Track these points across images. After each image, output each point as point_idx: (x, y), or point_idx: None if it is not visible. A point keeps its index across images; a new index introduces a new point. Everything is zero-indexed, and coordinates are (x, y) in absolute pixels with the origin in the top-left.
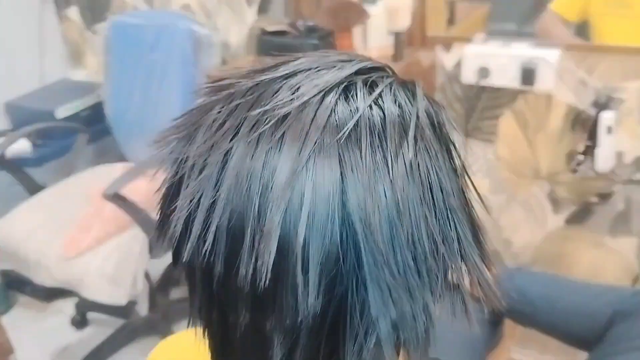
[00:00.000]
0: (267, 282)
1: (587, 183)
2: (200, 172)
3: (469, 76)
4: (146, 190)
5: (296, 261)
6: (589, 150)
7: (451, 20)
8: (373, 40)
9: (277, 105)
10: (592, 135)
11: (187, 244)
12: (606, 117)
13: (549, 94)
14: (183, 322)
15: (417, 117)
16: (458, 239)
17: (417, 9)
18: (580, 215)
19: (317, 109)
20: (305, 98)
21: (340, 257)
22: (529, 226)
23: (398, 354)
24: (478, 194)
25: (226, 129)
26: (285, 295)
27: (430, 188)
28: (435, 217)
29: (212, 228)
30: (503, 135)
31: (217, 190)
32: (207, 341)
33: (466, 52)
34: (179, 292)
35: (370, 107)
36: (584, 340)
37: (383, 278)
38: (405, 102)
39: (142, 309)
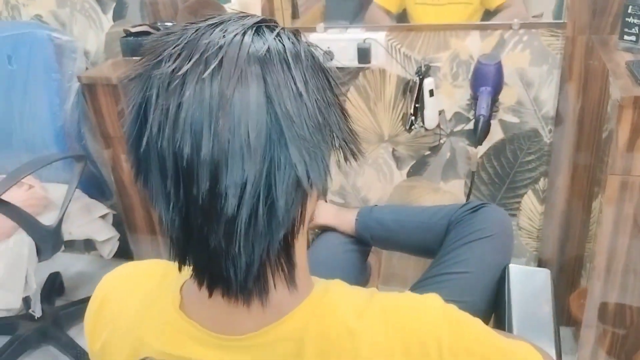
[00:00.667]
0: (223, 153)
1: (420, 139)
2: (167, 89)
3: None
4: (23, 197)
5: (242, 138)
6: (418, 112)
7: (294, 15)
8: None
9: (214, 40)
10: (419, 99)
11: (161, 137)
12: (427, 83)
13: (383, 68)
14: (74, 327)
15: (304, 49)
16: (338, 119)
17: (266, 4)
18: (418, 167)
19: (241, 42)
20: (231, 36)
21: (270, 132)
22: (380, 184)
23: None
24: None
25: (182, 58)
26: (234, 161)
27: (319, 89)
28: (324, 105)
29: (181, 123)
30: (350, 108)
31: (181, 99)
32: (169, 229)
33: (311, 39)
34: (62, 300)
35: (276, 41)
36: (431, 250)
37: (297, 138)
38: (295, 40)
39: (37, 310)
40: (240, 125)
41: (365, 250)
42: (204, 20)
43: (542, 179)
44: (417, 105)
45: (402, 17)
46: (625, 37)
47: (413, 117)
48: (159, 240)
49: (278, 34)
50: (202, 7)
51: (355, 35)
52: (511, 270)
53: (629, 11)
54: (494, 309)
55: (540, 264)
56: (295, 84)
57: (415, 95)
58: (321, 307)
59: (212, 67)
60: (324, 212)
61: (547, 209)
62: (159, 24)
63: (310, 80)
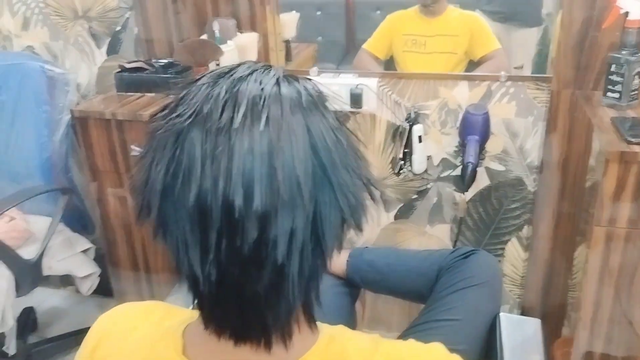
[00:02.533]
0: (275, 202)
1: (408, 183)
2: (215, 144)
3: None
4: (3, 229)
5: (293, 187)
6: (407, 157)
7: (288, 57)
8: None
9: (254, 92)
10: (408, 144)
11: (211, 191)
12: (417, 129)
13: (373, 113)
14: None
15: (327, 96)
16: (360, 162)
17: (262, 47)
18: (405, 211)
19: (280, 93)
20: (268, 87)
21: (317, 179)
22: (367, 225)
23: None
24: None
25: (227, 112)
26: (284, 209)
27: (345, 135)
28: (353, 149)
29: (233, 176)
30: None
31: (232, 152)
32: (203, 283)
33: None
34: (35, 337)
35: (306, 90)
36: (421, 295)
37: (342, 183)
38: (317, 89)
39: (11, 347)
40: (291, 174)
41: (355, 292)
42: (229, 72)
43: (526, 227)
44: (406, 150)
45: (389, 63)
46: (609, 93)
47: (402, 162)
48: (142, 277)
49: (303, 83)
50: (199, 47)
51: (347, 80)
52: (502, 319)
53: (612, 69)
54: (485, 358)
55: (524, 311)
56: (332, 130)
57: (404, 140)
58: (330, 355)
59: (262, 121)
60: None
61: (530, 257)
62: (153, 60)
63: (340, 127)
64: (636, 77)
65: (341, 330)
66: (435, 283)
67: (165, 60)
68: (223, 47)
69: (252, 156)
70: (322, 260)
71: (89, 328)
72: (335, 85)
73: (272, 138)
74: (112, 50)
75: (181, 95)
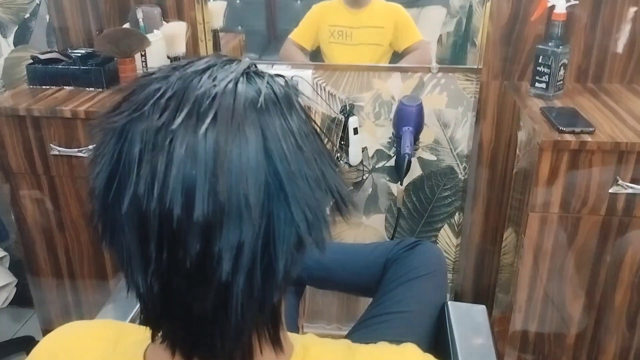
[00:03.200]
0: (219, 214)
1: (344, 175)
2: (154, 145)
3: None
4: None
5: (240, 197)
6: (343, 149)
7: (216, 48)
8: (153, 64)
9: (205, 90)
10: (344, 136)
11: (147, 197)
12: (352, 121)
13: (308, 106)
14: None
15: (294, 93)
16: (331, 169)
17: (190, 37)
18: None
19: (235, 91)
20: (223, 84)
21: (270, 189)
22: None
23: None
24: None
25: (170, 110)
26: (230, 221)
27: (311, 138)
28: (319, 155)
29: (171, 182)
30: None
31: (172, 155)
32: (145, 295)
33: None
34: None
35: (268, 88)
36: (369, 288)
37: (299, 195)
38: (284, 84)
39: None
40: (238, 182)
41: (300, 290)
42: (185, 65)
43: (457, 214)
44: (342, 142)
45: (315, 54)
46: (537, 84)
47: (338, 154)
48: (65, 285)
49: (268, 80)
50: (123, 36)
51: (281, 72)
52: (450, 307)
53: (540, 61)
54: (436, 346)
55: (457, 295)
56: (293, 135)
57: (340, 132)
58: None
59: (207, 120)
60: None
61: (462, 242)
62: (69, 51)
63: (304, 129)
64: (562, 68)
65: (312, 340)
66: (383, 276)
67: (84, 51)
68: (149, 36)
69: (194, 160)
70: (274, 281)
71: (6, 341)
72: None
73: (218, 140)
74: (21, 39)
75: (130, 89)
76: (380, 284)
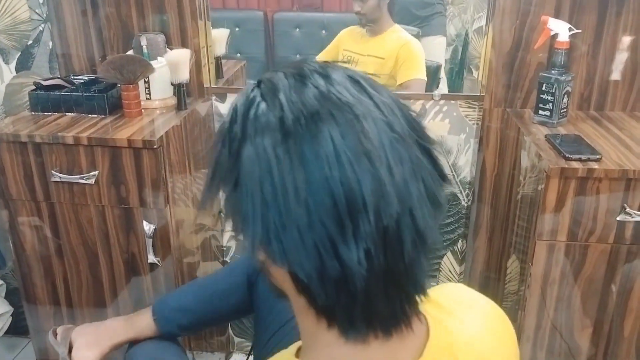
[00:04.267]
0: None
1: None
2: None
3: None
4: None
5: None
6: None
7: (218, 75)
8: (157, 91)
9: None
10: None
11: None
12: None
13: None
14: None
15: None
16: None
17: (194, 64)
18: None
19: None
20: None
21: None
22: None
23: None
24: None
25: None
26: (420, 205)
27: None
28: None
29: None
30: None
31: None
32: (360, 295)
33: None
34: None
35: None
36: (244, 309)
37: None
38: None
39: None
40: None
41: (179, 344)
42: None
43: (460, 241)
44: None
45: None
46: (540, 111)
47: None
48: (63, 314)
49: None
50: (127, 63)
51: None
52: None
53: (543, 88)
54: None
55: None
56: None
57: None
58: (442, 343)
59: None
60: (112, 330)
61: (465, 270)
62: (72, 77)
63: None
64: (565, 95)
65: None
66: (253, 289)
67: (86, 77)
68: (153, 63)
69: (402, 166)
70: (427, 247)
71: None
72: None
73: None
74: (23, 66)
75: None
76: (257, 299)
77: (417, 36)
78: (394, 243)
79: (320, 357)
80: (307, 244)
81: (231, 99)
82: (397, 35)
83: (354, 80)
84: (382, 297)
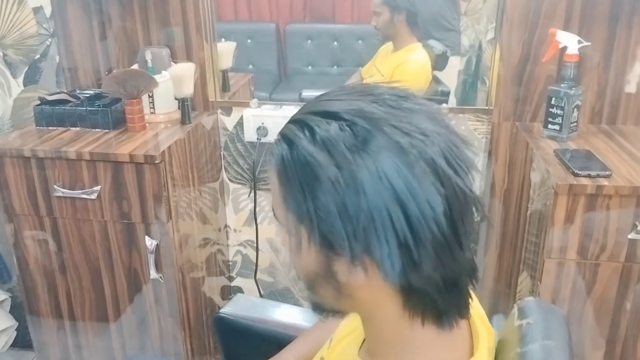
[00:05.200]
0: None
1: None
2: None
3: (250, 135)
4: None
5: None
6: None
7: (225, 88)
8: (161, 105)
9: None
10: None
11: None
12: None
13: None
14: None
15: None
16: None
17: (199, 78)
18: None
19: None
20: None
21: None
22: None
23: None
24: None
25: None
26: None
27: None
28: None
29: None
30: None
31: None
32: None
33: (246, 114)
34: None
35: None
36: None
37: None
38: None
39: None
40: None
41: None
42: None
43: None
44: None
45: None
46: (550, 125)
47: None
48: (66, 327)
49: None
50: (131, 77)
51: (290, 112)
52: None
53: (552, 102)
54: None
55: None
56: None
57: None
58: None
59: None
60: None
61: (476, 286)
62: (77, 92)
63: None
64: (575, 109)
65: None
66: None
67: (92, 92)
68: (157, 77)
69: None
70: None
71: None
72: (277, 118)
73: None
74: (30, 80)
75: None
76: None
77: (444, 55)
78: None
79: (418, 350)
80: (440, 253)
81: (236, 112)
82: (404, 53)
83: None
84: (459, 289)
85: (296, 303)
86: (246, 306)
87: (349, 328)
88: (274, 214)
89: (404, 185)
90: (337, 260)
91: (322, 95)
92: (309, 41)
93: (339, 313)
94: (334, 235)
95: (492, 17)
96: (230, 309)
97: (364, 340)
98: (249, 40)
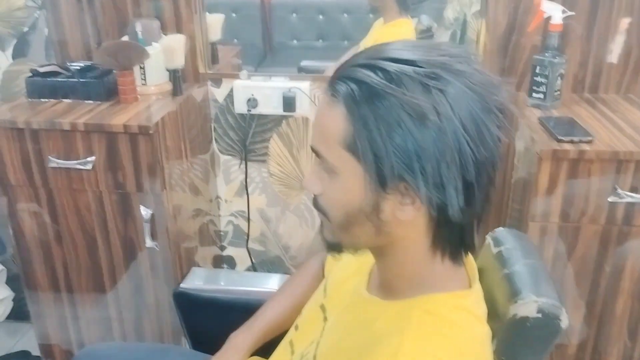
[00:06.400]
0: None
1: None
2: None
3: (240, 107)
4: None
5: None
6: None
7: (214, 60)
8: (152, 77)
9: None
10: None
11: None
12: None
13: (306, 117)
14: None
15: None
16: None
17: (189, 50)
18: None
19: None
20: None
21: None
22: (302, 230)
23: None
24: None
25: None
26: None
27: None
28: None
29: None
30: (273, 155)
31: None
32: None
33: (236, 85)
34: None
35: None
36: None
37: None
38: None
39: None
40: None
41: None
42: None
43: None
44: None
45: None
46: (534, 94)
47: None
48: (63, 299)
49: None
50: (123, 49)
51: (279, 83)
52: None
53: (537, 71)
54: None
55: None
56: None
57: None
58: None
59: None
60: None
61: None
62: (68, 64)
63: None
64: (559, 78)
65: None
66: None
67: (82, 64)
68: (148, 49)
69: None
70: None
71: (2, 356)
72: (267, 89)
73: None
74: (19, 53)
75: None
76: None
77: (429, 30)
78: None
79: (436, 283)
80: (487, 194)
81: (226, 84)
82: (388, 28)
83: None
84: (472, 227)
85: (286, 272)
86: (206, 278)
87: (350, 271)
88: (317, 154)
89: (475, 130)
90: (385, 199)
91: (374, 47)
92: (294, 14)
93: (355, 251)
94: (402, 173)
95: None
96: (190, 283)
97: (368, 280)
98: (233, 14)
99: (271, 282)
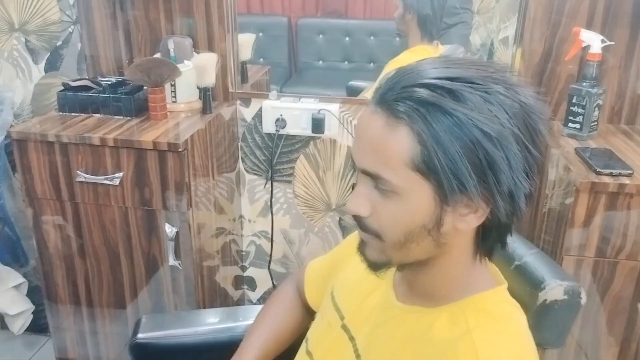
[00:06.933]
0: None
1: None
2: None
3: (268, 126)
4: None
5: None
6: None
7: (243, 79)
8: (183, 95)
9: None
10: None
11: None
12: None
13: (334, 139)
14: None
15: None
16: None
17: (219, 68)
18: None
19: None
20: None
21: None
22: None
23: None
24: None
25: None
26: None
27: None
28: None
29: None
30: (299, 176)
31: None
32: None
33: (265, 105)
34: None
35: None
36: None
37: None
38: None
39: None
40: None
41: None
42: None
43: None
44: None
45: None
46: (570, 124)
47: None
48: (83, 313)
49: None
50: (155, 65)
51: (309, 105)
52: None
53: (574, 101)
54: None
55: None
56: None
57: None
58: None
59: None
60: None
61: None
62: (99, 79)
63: None
64: (596, 108)
65: None
66: None
67: (114, 79)
68: (180, 66)
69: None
70: None
71: None
72: (296, 110)
73: None
74: (52, 66)
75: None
76: None
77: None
78: None
79: (475, 283)
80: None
81: (255, 103)
82: (405, 54)
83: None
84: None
85: None
86: (162, 324)
87: (370, 288)
88: (373, 177)
89: (530, 135)
90: (446, 212)
91: (411, 67)
92: (321, 36)
93: (402, 267)
94: (476, 188)
95: (505, 16)
96: (148, 332)
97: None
98: (260, 34)
99: (227, 317)
